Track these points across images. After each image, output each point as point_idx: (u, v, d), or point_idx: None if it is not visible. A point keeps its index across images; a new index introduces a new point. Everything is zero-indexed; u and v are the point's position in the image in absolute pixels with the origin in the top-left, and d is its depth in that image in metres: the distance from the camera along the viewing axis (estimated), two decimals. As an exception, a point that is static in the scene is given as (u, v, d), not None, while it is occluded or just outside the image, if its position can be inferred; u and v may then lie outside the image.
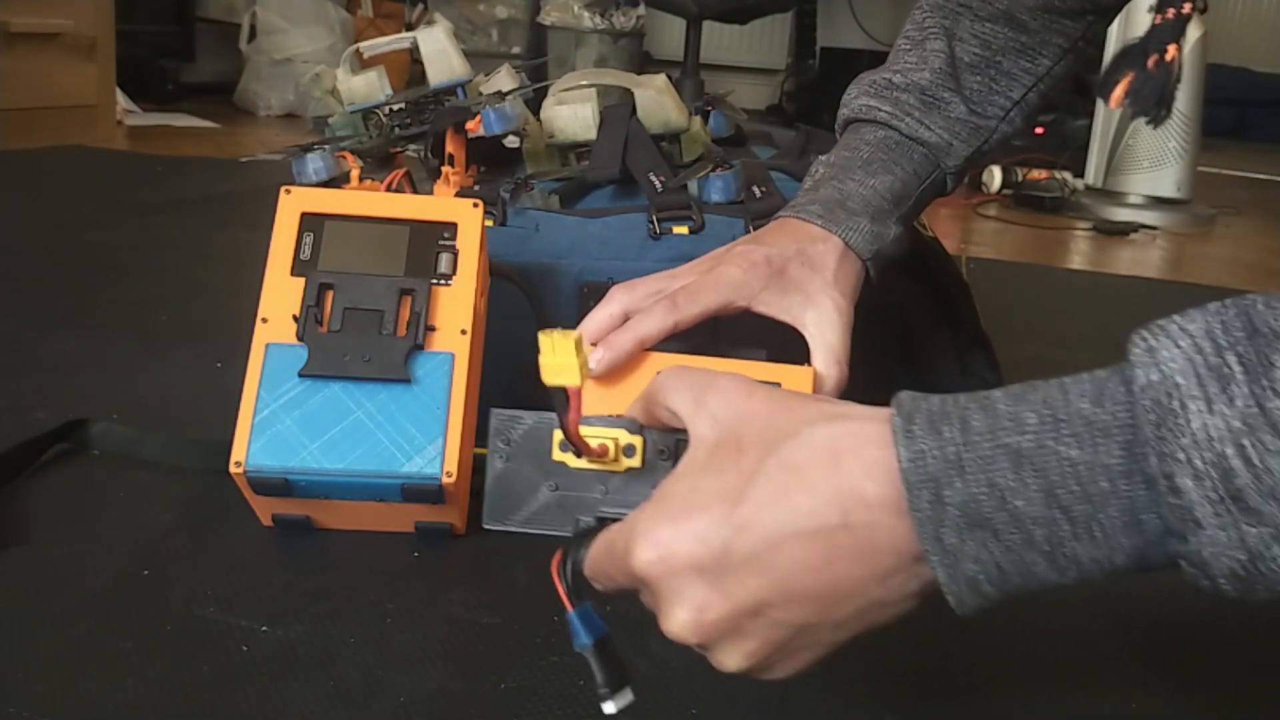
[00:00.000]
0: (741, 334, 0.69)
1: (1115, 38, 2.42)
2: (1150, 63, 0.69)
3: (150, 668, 0.57)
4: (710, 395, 0.45)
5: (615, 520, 0.45)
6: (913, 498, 0.38)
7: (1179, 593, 0.66)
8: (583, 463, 0.50)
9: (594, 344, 0.64)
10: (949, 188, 0.77)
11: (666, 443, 0.48)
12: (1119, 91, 0.70)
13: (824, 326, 0.66)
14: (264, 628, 0.61)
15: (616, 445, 0.49)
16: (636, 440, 0.49)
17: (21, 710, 0.53)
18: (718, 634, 0.42)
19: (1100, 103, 2.49)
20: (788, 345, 0.67)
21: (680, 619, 0.42)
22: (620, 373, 0.64)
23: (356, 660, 0.59)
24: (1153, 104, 0.69)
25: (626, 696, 0.45)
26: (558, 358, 0.47)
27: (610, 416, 0.51)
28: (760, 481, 0.41)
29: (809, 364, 0.65)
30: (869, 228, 0.70)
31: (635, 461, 0.48)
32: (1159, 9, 0.69)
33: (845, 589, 0.40)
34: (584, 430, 0.49)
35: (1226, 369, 0.35)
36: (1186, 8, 0.68)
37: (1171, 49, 0.68)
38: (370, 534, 0.72)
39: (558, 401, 0.48)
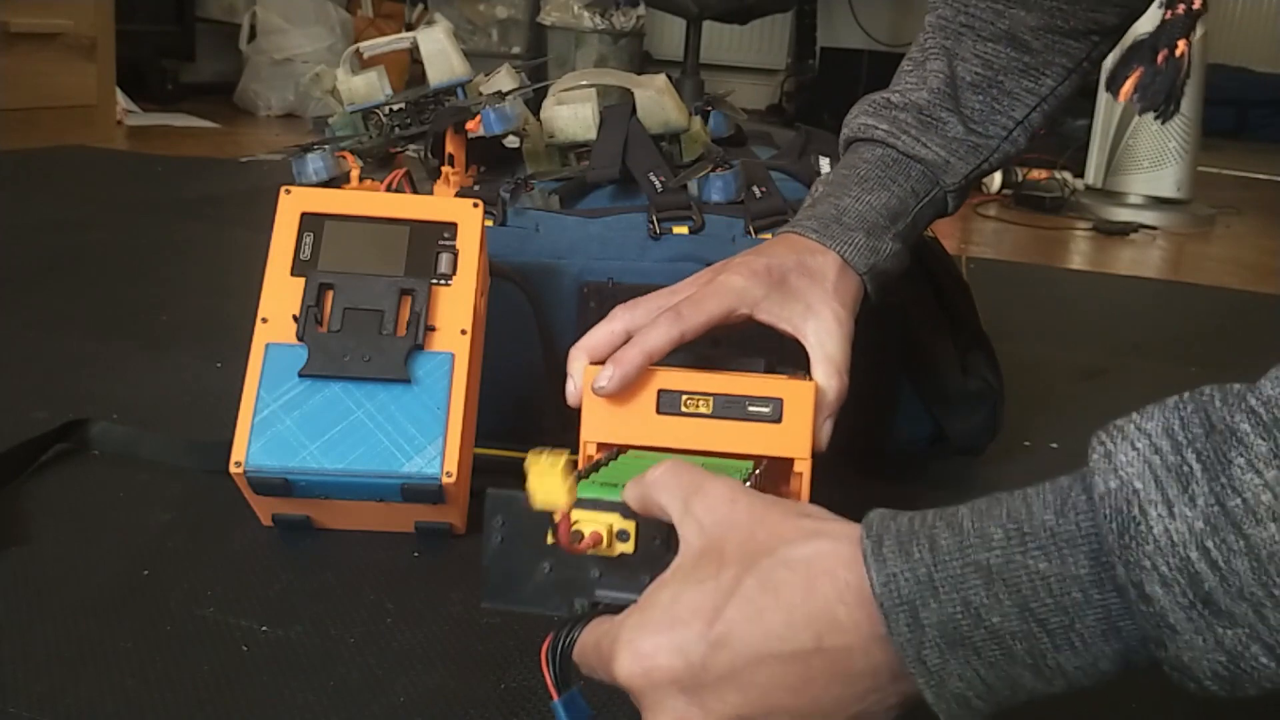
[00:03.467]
0: (741, 347, 0.68)
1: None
2: (1160, 58, 0.68)
3: (150, 668, 0.57)
4: (697, 500, 0.45)
5: (609, 605, 0.46)
6: (890, 621, 0.38)
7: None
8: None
9: (600, 362, 0.64)
10: (950, 207, 0.76)
11: (660, 531, 0.48)
12: (1128, 86, 0.69)
13: (824, 337, 0.66)
14: (264, 628, 0.61)
15: (610, 531, 0.49)
16: (630, 525, 0.49)
17: (21, 710, 0.53)
18: None
19: (1100, 102, 2.48)
20: (785, 356, 0.67)
21: None
22: (626, 391, 0.63)
23: (356, 660, 0.59)
24: (1161, 99, 0.69)
25: None
26: (546, 481, 0.47)
27: (602, 500, 0.50)
28: (738, 599, 0.41)
29: (808, 374, 0.65)
30: (865, 242, 0.70)
31: (629, 547, 0.48)
32: (1169, 4, 0.69)
33: (824, 707, 0.41)
34: (577, 514, 0.49)
35: (1186, 468, 0.35)
36: (1197, 3, 0.68)
37: (1181, 44, 0.68)
38: (370, 534, 0.72)
39: (549, 521, 0.47)
